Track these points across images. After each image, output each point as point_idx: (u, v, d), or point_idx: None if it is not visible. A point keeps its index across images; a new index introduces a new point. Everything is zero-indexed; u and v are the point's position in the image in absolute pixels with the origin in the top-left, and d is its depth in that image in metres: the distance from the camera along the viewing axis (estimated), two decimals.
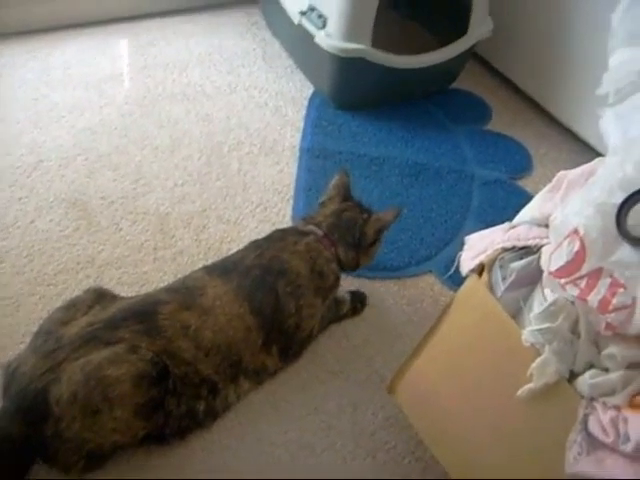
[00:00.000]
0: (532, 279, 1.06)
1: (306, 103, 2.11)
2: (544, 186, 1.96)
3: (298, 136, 1.97)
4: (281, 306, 1.25)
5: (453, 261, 1.65)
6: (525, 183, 1.97)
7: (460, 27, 2.07)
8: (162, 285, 1.44)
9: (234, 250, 1.57)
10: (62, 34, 2.20)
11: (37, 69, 2.04)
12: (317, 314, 1.33)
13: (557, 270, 0.92)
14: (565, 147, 2.09)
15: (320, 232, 1.35)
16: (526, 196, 1.92)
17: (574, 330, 0.93)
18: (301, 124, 2.02)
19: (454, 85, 2.29)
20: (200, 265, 1.52)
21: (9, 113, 1.86)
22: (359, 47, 1.87)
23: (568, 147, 2.10)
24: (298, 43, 2.14)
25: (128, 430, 1.07)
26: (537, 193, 1.91)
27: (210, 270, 1.28)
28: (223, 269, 1.27)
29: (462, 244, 1.66)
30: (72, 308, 1.17)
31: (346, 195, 1.45)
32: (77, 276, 1.45)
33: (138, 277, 1.47)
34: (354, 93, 2.07)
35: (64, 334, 1.10)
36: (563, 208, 1.02)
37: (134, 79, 2.06)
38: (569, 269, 0.91)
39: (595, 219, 0.90)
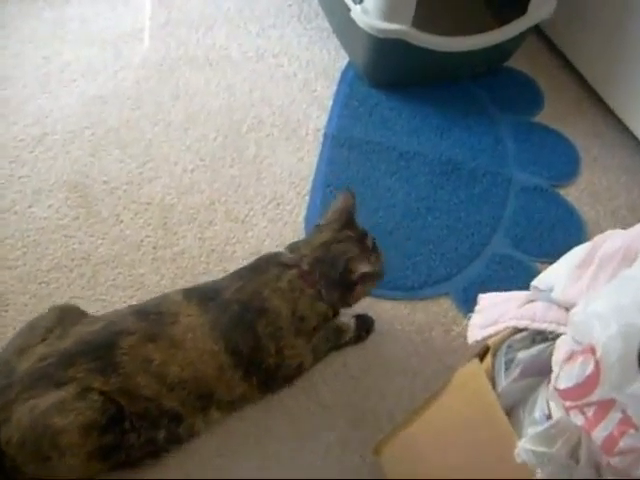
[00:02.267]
0: (540, 371, 0.97)
1: (338, 76, 1.96)
2: (588, 197, 1.83)
3: (324, 117, 1.84)
4: (260, 346, 1.19)
5: (473, 284, 1.57)
6: (567, 192, 1.82)
7: (520, 4, 1.85)
8: (157, 290, 1.41)
9: (239, 253, 1.52)
10: None
11: (51, 21, 1.92)
12: (302, 353, 1.27)
13: (564, 390, 0.84)
14: (619, 152, 1.92)
15: (305, 267, 1.25)
16: (566, 209, 1.78)
17: (574, 453, 0.85)
18: (329, 102, 1.89)
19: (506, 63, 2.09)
20: (200, 269, 1.48)
21: (17, 73, 1.76)
22: (399, 28, 1.69)
23: (622, 152, 1.92)
24: (335, 9, 1.96)
25: (85, 471, 1.06)
26: (579, 203, 1.79)
27: (189, 294, 1.21)
28: (202, 296, 1.20)
29: (486, 262, 1.57)
30: (31, 332, 1.12)
31: (348, 221, 1.30)
32: (71, 274, 1.41)
33: (134, 280, 1.42)
34: (391, 73, 1.91)
35: (17, 367, 1.06)
36: (587, 303, 0.91)
37: (155, 37, 1.93)
38: (578, 392, 0.82)
39: (616, 341, 0.80)
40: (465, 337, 1.47)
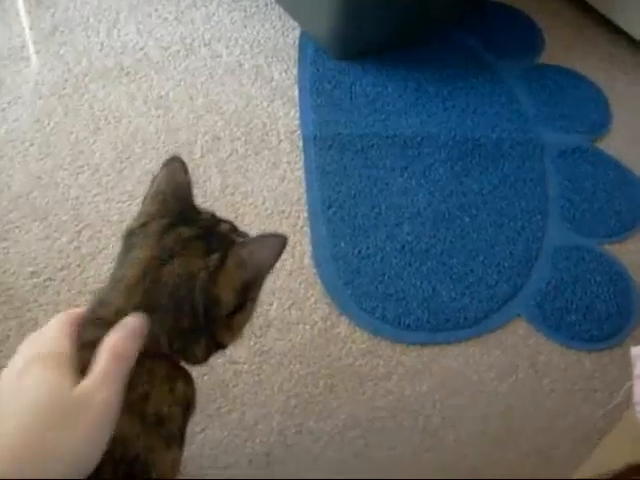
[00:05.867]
0: None
1: (295, 54, 1.58)
2: (631, 144, 1.55)
3: (295, 113, 1.47)
4: None
5: (546, 295, 1.27)
6: (607, 144, 1.54)
7: None
8: None
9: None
10: None
11: None
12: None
13: None
14: None
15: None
16: (617, 167, 1.49)
17: None
18: (294, 92, 1.51)
19: None
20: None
21: None
22: None
23: None
24: None
25: None
26: (624, 154, 1.51)
27: None
28: None
29: (551, 262, 1.29)
30: None
31: (183, 208, 0.68)
32: None
33: None
34: (364, 38, 1.55)
35: None
36: None
37: (44, 52, 1.48)
38: None
39: None
40: (558, 366, 1.20)
